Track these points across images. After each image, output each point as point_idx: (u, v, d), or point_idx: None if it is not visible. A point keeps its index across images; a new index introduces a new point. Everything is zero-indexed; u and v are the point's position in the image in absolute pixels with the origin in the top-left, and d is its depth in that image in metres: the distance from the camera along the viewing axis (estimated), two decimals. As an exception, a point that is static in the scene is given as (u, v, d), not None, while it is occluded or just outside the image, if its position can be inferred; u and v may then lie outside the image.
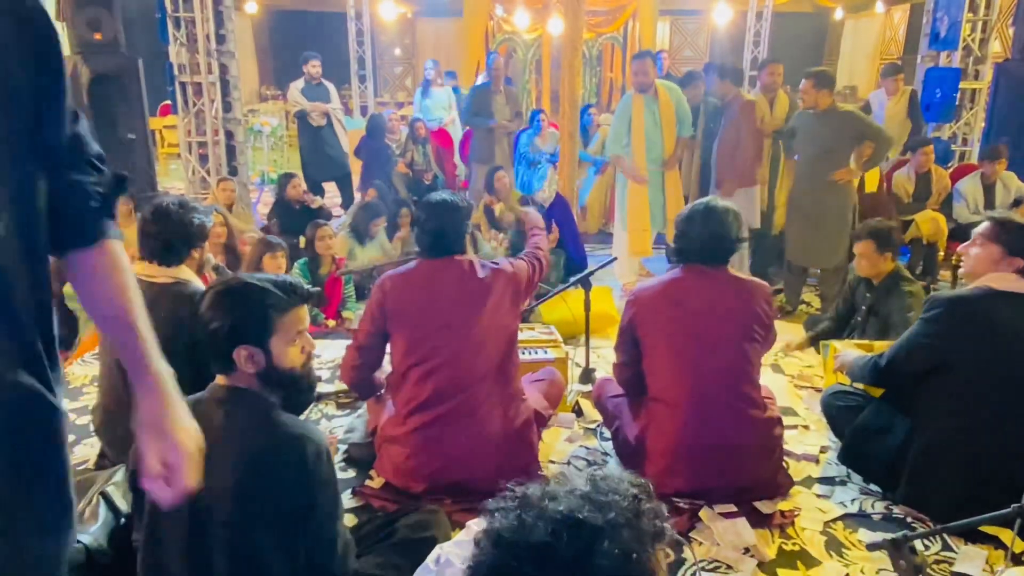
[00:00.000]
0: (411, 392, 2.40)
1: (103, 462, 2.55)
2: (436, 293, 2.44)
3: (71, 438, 2.90)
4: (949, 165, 6.64)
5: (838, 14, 15.71)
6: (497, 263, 2.55)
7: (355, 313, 4.49)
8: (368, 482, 2.56)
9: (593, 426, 3.00)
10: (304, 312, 1.70)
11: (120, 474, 2.08)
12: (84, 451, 2.80)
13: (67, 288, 3.77)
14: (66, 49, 6.10)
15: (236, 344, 1.59)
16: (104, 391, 2.54)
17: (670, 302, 2.43)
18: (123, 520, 1.97)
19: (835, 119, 4.48)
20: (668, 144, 5.07)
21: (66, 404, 3.22)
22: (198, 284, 2.41)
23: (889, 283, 3.30)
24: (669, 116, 5.04)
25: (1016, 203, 5.51)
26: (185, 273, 2.43)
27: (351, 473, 2.64)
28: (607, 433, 2.85)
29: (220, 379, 1.65)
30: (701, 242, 2.44)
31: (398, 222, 5.50)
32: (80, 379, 3.45)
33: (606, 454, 2.78)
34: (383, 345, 2.56)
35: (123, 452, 2.14)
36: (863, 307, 3.44)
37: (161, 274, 2.39)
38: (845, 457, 2.67)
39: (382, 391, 2.69)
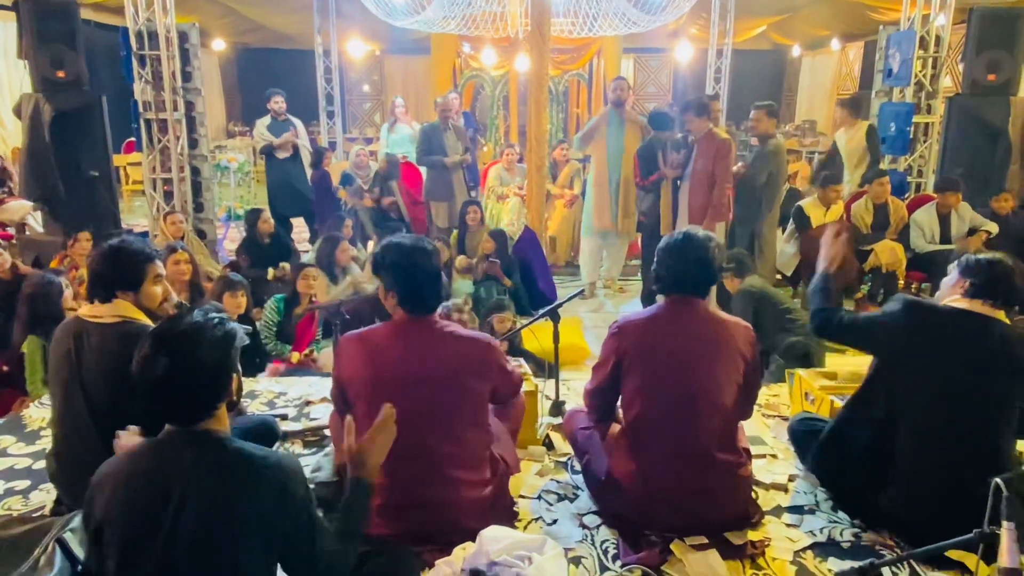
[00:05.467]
0: None
1: (60, 508, 2.47)
2: (402, 353, 2.25)
3: (26, 483, 2.81)
4: (906, 196, 6.83)
5: (795, 51, 16.22)
6: (476, 334, 2.43)
7: (322, 352, 4.44)
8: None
9: (564, 459, 2.99)
10: None
11: (77, 520, 2.01)
12: (40, 497, 2.71)
13: (28, 345, 3.69)
14: (28, 87, 6.05)
15: (229, 381, 1.64)
16: (58, 436, 2.47)
17: (653, 340, 2.43)
18: (80, 568, 1.91)
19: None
20: (627, 156, 6.01)
21: (22, 448, 3.12)
22: (144, 323, 2.36)
23: (735, 297, 4.49)
24: (633, 134, 6.03)
25: (971, 232, 5.69)
26: (130, 311, 2.38)
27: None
28: (578, 467, 2.84)
29: (171, 428, 1.63)
30: (683, 271, 2.45)
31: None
32: (37, 422, 3.35)
33: (577, 488, 2.77)
34: None
35: (79, 497, 2.08)
36: None
37: (107, 313, 2.36)
38: (815, 467, 2.74)
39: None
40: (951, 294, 2.47)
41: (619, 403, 2.57)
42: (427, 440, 2.22)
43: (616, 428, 2.58)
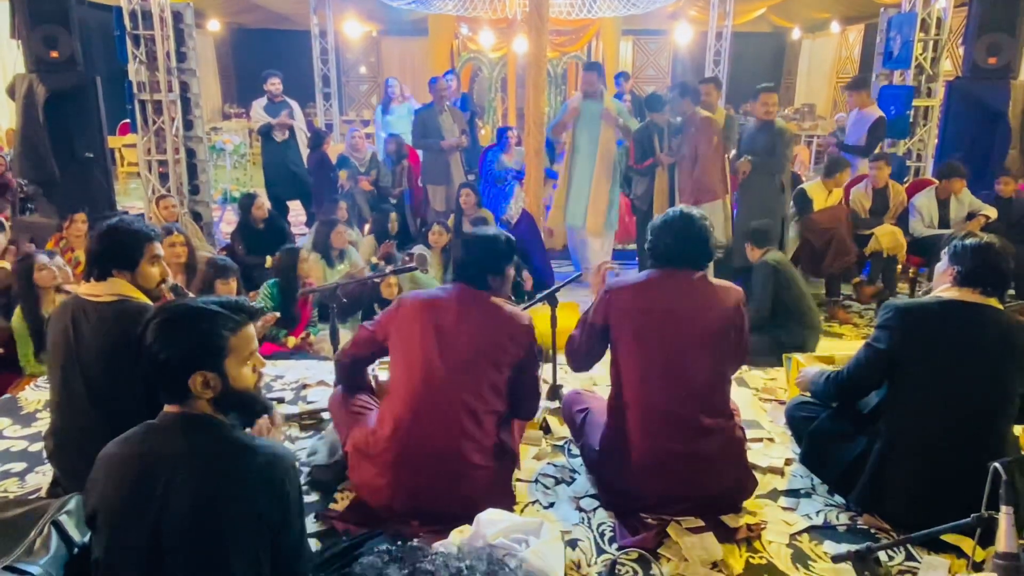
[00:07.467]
0: (393, 411, 2.38)
1: (56, 490, 2.46)
2: (448, 321, 2.38)
3: (22, 465, 2.80)
4: (905, 180, 6.80)
5: (795, 34, 16.11)
6: (523, 317, 2.49)
7: (318, 336, 4.43)
8: (332, 505, 2.51)
9: (561, 443, 2.99)
10: (253, 330, 1.67)
11: (74, 502, 2.00)
12: (36, 479, 2.71)
13: (15, 319, 3.69)
14: (21, 67, 5.99)
15: (191, 372, 1.55)
16: (56, 414, 2.46)
17: (642, 302, 2.43)
18: (76, 551, 1.90)
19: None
20: (603, 147, 5.85)
21: (18, 430, 3.11)
22: (142, 300, 2.35)
23: (757, 265, 4.40)
24: (608, 134, 5.84)
25: (970, 216, 5.67)
26: (127, 289, 2.36)
27: (314, 496, 2.58)
28: (575, 450, 2.84)
29: (170, 408, 1.60)
30: (679, 248, 2.44)
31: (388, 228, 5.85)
32: (33, 404, 3.35)
33: (574, 471, 2.77)
34: (374, 355, 2.65)
35: (77, 479, 2.07)
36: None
37: (104, 292, 2.34)
38: (805, 459, 2.75)
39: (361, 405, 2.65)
40: (942, 282, 2.44)
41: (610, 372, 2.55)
42: (458, 395, 2.33)
43: (605, 404, 2.59)
